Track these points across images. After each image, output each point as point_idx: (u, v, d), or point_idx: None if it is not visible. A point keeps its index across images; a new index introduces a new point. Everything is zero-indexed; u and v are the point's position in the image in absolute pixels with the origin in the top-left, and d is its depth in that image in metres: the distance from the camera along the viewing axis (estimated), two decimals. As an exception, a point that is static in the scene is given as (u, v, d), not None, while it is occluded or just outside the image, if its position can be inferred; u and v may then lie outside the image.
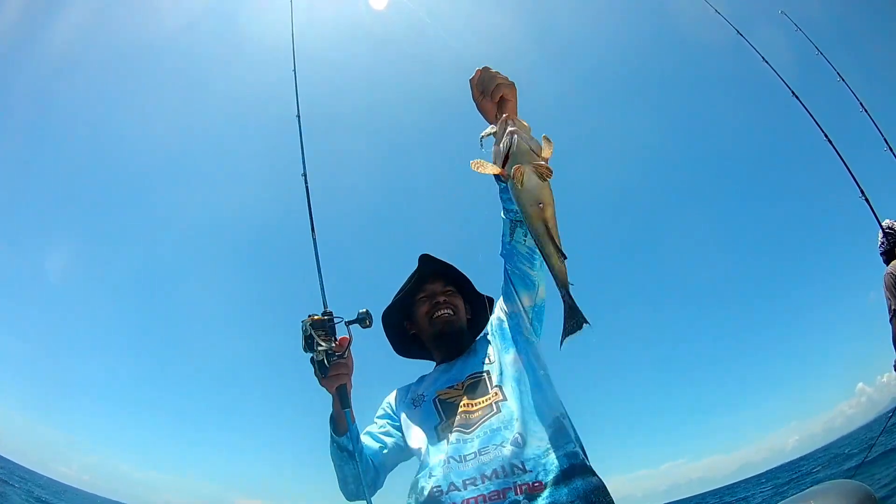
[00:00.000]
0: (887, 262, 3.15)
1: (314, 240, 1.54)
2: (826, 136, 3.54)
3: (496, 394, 1.27)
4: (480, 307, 1.62)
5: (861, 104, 3.69)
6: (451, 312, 1.50)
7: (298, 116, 1.83)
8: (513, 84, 1.18)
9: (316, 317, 1.26)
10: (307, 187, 1.64)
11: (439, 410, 1.33)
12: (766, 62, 3.87)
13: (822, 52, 4.02)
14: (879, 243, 3.24)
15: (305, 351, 1.24)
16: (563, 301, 1.09)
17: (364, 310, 1.33)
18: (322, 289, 1.38)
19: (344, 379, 1.26)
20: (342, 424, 1.28)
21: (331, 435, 1.31)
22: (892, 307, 2.98)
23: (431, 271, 1.58)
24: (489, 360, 1.38)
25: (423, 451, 1.27)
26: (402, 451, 1.38)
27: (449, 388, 1.36)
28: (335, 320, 1.29)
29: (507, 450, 1.14)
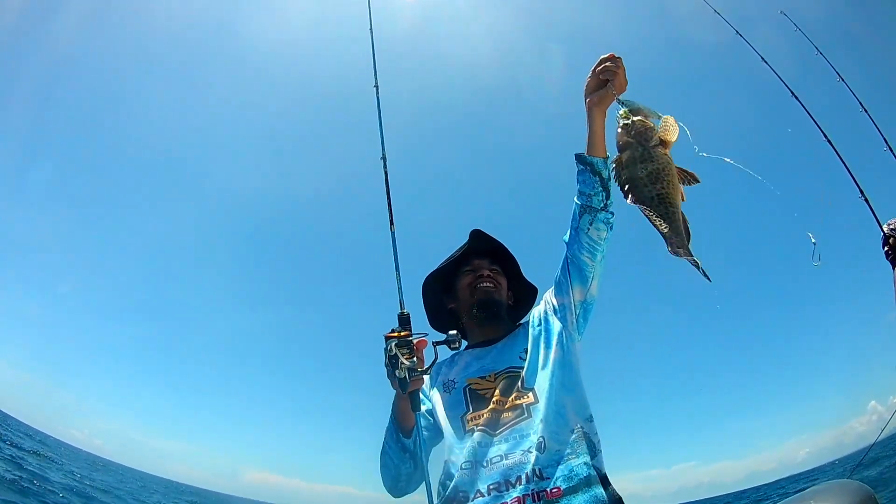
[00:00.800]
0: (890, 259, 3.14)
1: (393, 234, 1.46)
2: (826, 136, 3.54)
3: (528, 396, 1.27)
4: (524, 295, 1.63)
5: (861, 104, 3.69)
6: (493, 286, 1.50)
7: (377, 86, 1.75)
8: (624, 86, 1.20)
9: (400, 333, 1.21)
10: (386, 172, 1.56)
11: (467, 399, 1.33)
12: (766, 62, 3.86)
13: (822, 52, 4.01)
14: (887, 247, 3.21)
15: (387, 367, 1.18)
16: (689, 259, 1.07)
17: (454, 332, 1.31)
18: (399, 289, 1.33)
19: (419, 385, 1.25)
20: (408, 425, 1.29)
21: (394, 433, 1.31)
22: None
23: (481, 248, 1.59)
24: (526, 353, 1.36)
25: (448, 439, 1.30)
26: (437, 436, 1.39)
27: (480, 377, 1.36)
28: (419, 336, 1.25)
29: (532, 455, 1.15)
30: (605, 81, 1.20)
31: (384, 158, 1.58)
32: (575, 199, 1.31)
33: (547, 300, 1.47)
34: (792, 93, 3.72)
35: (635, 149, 1.02)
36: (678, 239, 1.02)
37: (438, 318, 1.63)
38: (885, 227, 3.31)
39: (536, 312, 1.47)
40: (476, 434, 1.23)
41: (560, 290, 1.41)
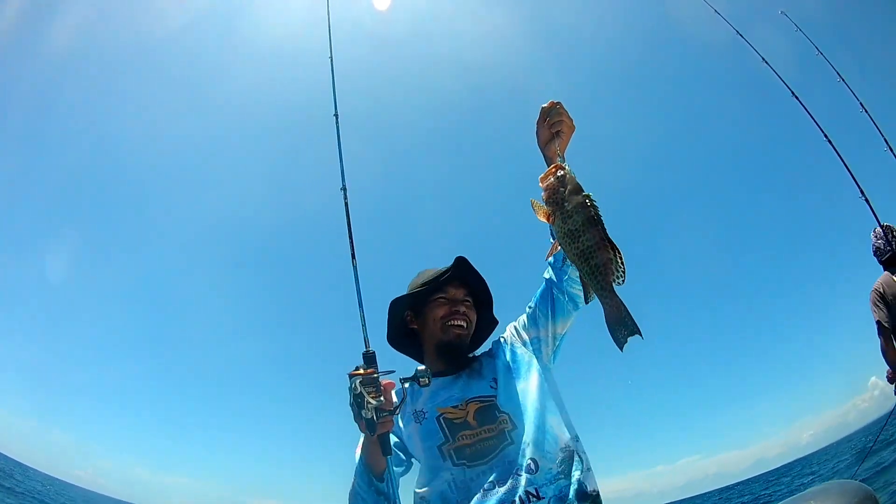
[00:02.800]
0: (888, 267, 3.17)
1: (355, 267, 1.40)
2: (826, 136, 3.54)
3: (505, 421, 1.27)
4: (485, 325, 1.58)
5: (861, 104, 3.69)
6: (465, 325, 1.45)
7: (336, 115, 1.72)
8: (573, 127, 1.30)
9: (363, 371, 1.14)
10: (346, 203, 1.51)
11: (444, 429, 1.30)
12: (766, 62, 3.86)
13: (822, 52, 4.02)
14: (878, 248, 3.25)
15: (353, 407, 1.10)
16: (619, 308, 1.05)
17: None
18: (364, 325, 1.26)
19: (388, 427, 1.14)
20: (379, 468, 1.20)
21: (366, 477, 1.20)
22: (878, 321, 3.07)
23: (461, 276, 1.50)
24: (495, 382, 1.37)
25: (427, 471, 1.27)
26: (407, 469, 1.37)
27: (453, 406, 1.33)
28: (385, 375, 1.16)
29: (522, 478, 1.17)
30: (552, 124, 1.29)
31: (344, 189, 1.54)
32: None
33: (514, 332, 1.51)
34: (792, 93, 3.72)
35: (554, 213, 1.09)
36: (605, 294, 1.05)
37: (398, 335, 1.56)
38: (875, 232, 3.32)
39: (507, 344, 1.49)
40: (460, 463, 1.23)
41: (537, 324, 1.44)
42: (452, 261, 1.49)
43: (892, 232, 3.17)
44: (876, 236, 3.23)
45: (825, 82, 3.96)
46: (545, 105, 1.30)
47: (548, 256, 1.31)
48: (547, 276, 1.43)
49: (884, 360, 3.16)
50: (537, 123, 1.33)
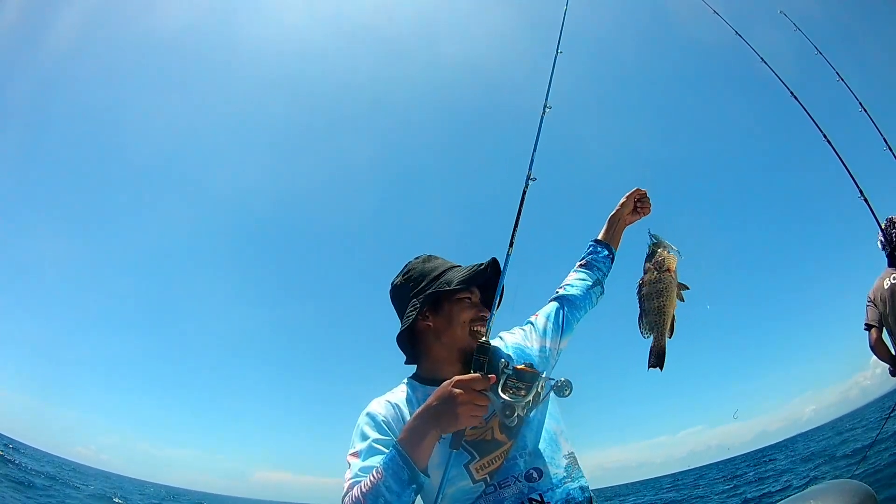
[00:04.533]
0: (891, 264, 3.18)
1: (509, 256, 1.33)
2: (825, 136, 3.54)
3: (527, 435, 1.27)
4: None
5: (860, 104, 3.69)
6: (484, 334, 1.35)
7: (547, 107, 1.62)
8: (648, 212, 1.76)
9: (526, 368, 1.12)
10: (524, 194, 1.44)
11: (470, 449, 1.20)
12: (765, 62, 3.87)
13: (822, 52, 4.02)
14: (886, 241, 3.24)
15: (501, 392, 1.08)
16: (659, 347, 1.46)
17: (564, 378, 1.16)
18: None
19: (476, 423, 1.10)
20: (424, 463, 1.07)
21: (405, 474, 1.04)
22: (867, 320, 3.15)
23: (490, 280, 1.40)
24: None
25: (453, 490, 1.19)
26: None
27: (471, 428, 1.18)
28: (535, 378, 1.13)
29: (527, 485, 1.18)
30: (640, 207, 1.74)
31: (530, 179, 1.48)
32: (588, 271, 1.66)
33: (528, 338, 1.48)
34: (791, 93, 3.72)
35: (652, 273, 1.48)
36: (658, 338, 1.46)
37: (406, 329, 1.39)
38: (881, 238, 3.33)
39: (514, 351, 1.43)
40: (493, 483, 1.19)
41: (549, 337, 1.50)
42: (488, 259, 1.39)
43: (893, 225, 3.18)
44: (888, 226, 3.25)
45: (824, 82, 3.97)
46: (642, 190, 1.73)
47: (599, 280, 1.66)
48: (574, 294, 1.59)
49: (875, 355, 3.20)
50: (628, 196, 1.72)
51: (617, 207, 1.73)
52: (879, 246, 3.24)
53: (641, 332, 1.48)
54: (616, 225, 1.73)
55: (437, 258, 1.47)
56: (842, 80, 3.85)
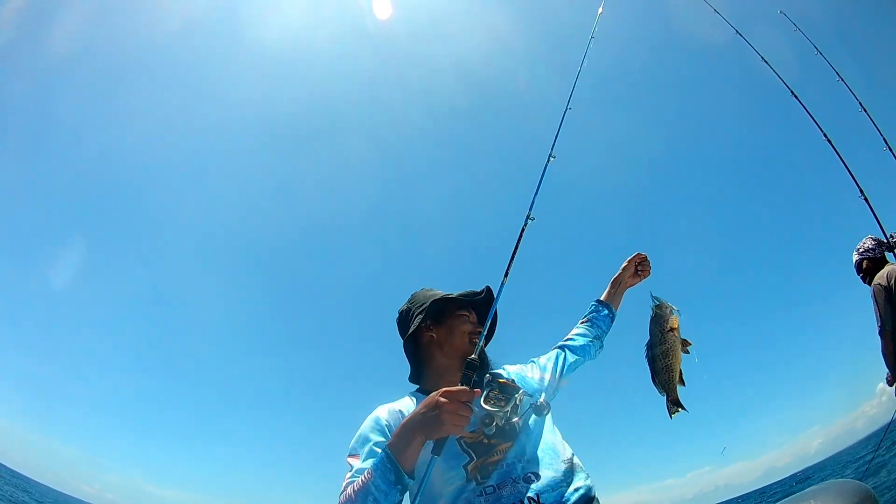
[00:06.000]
0: (868, 282, 3.18)
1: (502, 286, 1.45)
2: (825, 136, 3.55)
3: (523, 440, 1.33)
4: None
5: (860, 104, 3.70)
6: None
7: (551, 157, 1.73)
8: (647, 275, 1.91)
9: (508, 382, 1.29)
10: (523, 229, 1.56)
11: (467, 450, 1.29)
12: (766, 62, 3.87)
13: (822, 51, 4.03)
14: (856, 263, 3.30)
15: (483, 403, 1.23)
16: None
17: (545, 400, 1.36)
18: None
19: (459, 432, 1.17)
20: (410, 465, 1.14)
21: (392, 475, 1.11)
22: (880, 321, 3.03)
23: (481, 306, 1.60)
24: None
25: (447, 491, 1.25)
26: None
27: (471, 431, 1.30)
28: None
29: (524, 486, 1.22)
30: (640, 271, 1.90)
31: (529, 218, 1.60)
32: (590, 327, 1.82)
33: (527, 373, 1.62)
34: (792, 92, 3.72)
35: (656, 334, 1.55)
36: (670, 392, 1.54)
37: (409, 339, 1.56)
38: (855, 255, 3.34)
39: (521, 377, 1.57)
40: (482, 481, 1.24)
41: (549, 372, 1.63)
42: (482, 287, 1.60)
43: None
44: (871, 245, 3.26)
45: (824, 82, 3.97)
46: (642, 254, 1.89)
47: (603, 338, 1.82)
48: (576, 345, 1.74)
49: (885, 362, 3.14)
50: (630, 261, 1.88)
51: (619, 271, 1.89)
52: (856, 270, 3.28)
53: (657, 390, 1.58)
54: (618, 287, 1.89)
55: (431, 290, 1.65)
56: (842, 80, 3.85)
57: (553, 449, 1.33)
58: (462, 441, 1.32)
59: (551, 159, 1.71)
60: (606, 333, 1.84)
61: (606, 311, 1.85)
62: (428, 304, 1.55)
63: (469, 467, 1.27)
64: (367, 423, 1.35)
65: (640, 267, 1.89)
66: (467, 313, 1.58)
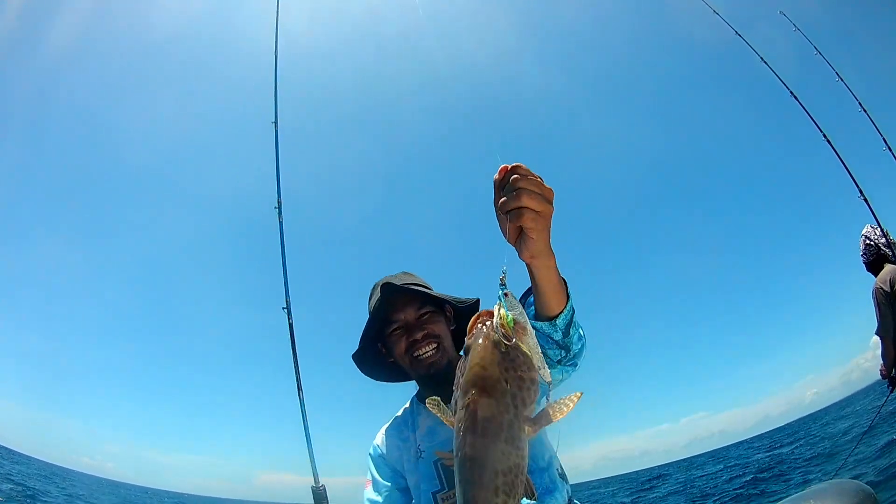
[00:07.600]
0: (874, 273, 3.18)
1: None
2: (825, 136, 3.56)
3: None
4: (467, 312, 1.33)
5: (860, 104, 3.71)
6: (435, 349, 1.25)
7: (276, 123, 1.69)
8: (546, 210, 0.79)
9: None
10: (281, 222, 1.49)
11: (440, 475, 1.22)
12: (765, 62, 3.88)
13: (821, 51, 4.03)
14: (861, 252, 3.28)
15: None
16: None
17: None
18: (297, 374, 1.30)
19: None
20: None
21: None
22: (880, 326, 3.11)
23: (398, 299, 1.28)
24: None
25: None
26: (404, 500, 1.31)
27: (450, 451, 1.17)
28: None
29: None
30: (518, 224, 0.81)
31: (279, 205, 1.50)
32: (559, 334, 1.05)
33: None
34: (791, 93, 3.73)
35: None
36: None
37: (385, 373, 1.41)
38: (864, 232, 3.33)
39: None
40: None
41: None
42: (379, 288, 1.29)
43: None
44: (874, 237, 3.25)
45: (824, 82, 3.98)
46: (496, 176, 0.80)
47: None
48: (573, 351, 1.09)
49: (883, 361, 3.17)
50: (494, 203, 0.82)
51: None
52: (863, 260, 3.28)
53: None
54: (535, 283, 0.95)
55: (377, 288, 1.35)
56: (841, 80, 3.86)
57: (537, 458, 1.20)
58: (438, 464, 1.23)
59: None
60: (568, 345, 1.09)
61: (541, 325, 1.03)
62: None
63: (440, 496, 1.20)
64: (371, 453, 1.39)
65: (504, 204, 0.80)
66: (396, 326, 1.28)
